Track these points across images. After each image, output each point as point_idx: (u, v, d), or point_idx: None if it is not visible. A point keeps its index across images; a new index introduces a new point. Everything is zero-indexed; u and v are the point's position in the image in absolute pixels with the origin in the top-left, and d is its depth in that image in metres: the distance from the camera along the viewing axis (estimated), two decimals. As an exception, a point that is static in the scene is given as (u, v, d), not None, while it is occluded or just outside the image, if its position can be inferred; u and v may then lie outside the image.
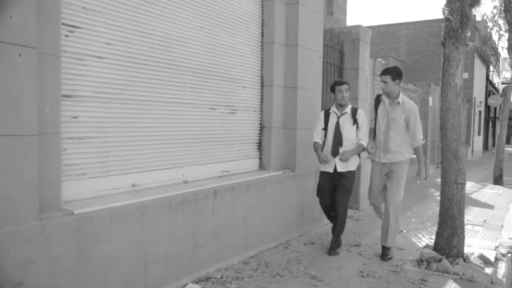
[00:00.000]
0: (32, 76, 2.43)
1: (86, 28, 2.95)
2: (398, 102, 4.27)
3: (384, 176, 4.40)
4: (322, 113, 4.56)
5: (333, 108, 4.48)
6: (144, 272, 3.11)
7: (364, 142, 4.37)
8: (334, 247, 4.40)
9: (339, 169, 4.36)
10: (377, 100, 4.49)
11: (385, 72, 4.33)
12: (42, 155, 2.55)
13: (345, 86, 4.38)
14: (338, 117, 4.40)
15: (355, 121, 4.39)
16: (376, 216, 4.91)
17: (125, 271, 2.97)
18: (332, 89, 4.46)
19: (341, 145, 4.33)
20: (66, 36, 2.82)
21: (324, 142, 4.50)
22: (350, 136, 4.36)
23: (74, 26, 2.87)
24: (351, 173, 4.44)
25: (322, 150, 4.46)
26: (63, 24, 2.77)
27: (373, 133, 4.52)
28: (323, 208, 4.62)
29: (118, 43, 3.19)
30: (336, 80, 4.61)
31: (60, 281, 2.56)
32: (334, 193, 4.42)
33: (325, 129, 4.43)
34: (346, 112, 4.40)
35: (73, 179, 2.92)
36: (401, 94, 4.34)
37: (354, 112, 4.42)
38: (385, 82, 4.28)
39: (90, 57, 2.99)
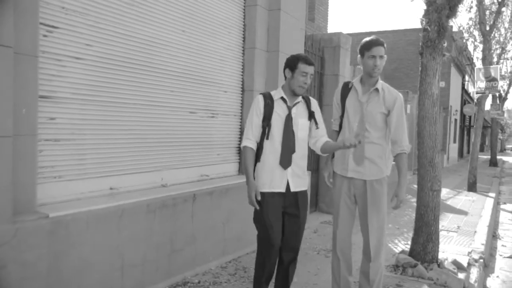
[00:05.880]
0: (8, 76, 2.38)
1: (65, 28, 2.91)
2: (377, 89, 2.97)
3: (353, 201, 3.07)
4: (261, 100, 2.90)
5: (280, 93, 2.93)
6: (120, 277, 3.07)
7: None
8: None
9: (293, 188, 2.89)
10: (346, 89, 3.13)
11: (380, 43, 2.91)
12: (17, 157, 2.49)
13: (313, 68, 2.88)
14: (290, 108, 2.91)
15: (311, 115, 2.98)
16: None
17: (101, 276, 2.93)
18: (293, 66, 2.85)
19: (294, 150, 2.89)
20: (45, 36, 2.77)
21: (261, 147, 2.90)
22: (304, 136, 2.96)
23: (53, 26, 2.82)
24: (305, 196, 3.01)
25: (258, 161, 2.90)
26: (41, 24, 2.72)
27: (336, 137, 3.17)
28: (271, 254, 2.89)
29: (98, 44, 3.15)
30: (297, 55, 2.89)
31: (33, 287, 2.50)
32: (284, 227, 2.93)
33: (267, 125, 2.86)
34: (299, 102, 2.95)
35: (48, 182, 2.86)
36: (379, 79, 3.03)
37: (307, 101, 3.00)
38: (381, 56, 2.90)
39: (69, 58, 2.94)
